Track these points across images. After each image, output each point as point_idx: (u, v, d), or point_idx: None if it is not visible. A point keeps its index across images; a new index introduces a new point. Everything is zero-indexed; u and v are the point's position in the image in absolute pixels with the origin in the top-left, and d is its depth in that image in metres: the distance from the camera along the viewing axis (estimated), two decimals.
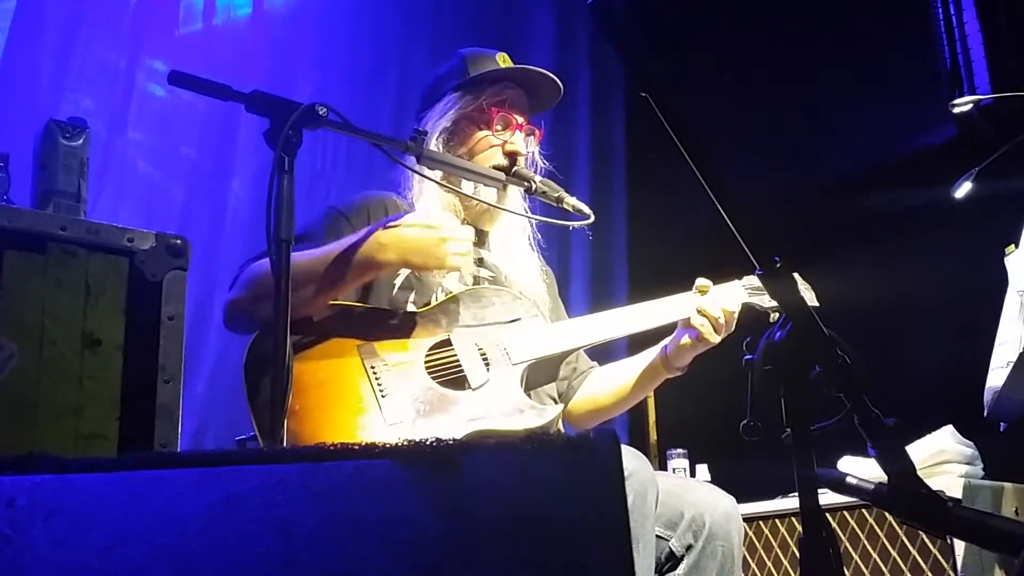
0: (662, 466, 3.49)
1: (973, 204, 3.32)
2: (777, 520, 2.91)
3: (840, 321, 1.14)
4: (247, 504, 0.85)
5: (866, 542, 2.71)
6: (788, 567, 2.87)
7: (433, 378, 1.72)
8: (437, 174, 1.88)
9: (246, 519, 0.85)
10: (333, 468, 0.88)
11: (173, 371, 1.51)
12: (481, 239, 2.02)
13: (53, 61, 2.70)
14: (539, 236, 2.09)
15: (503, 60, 2.04)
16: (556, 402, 1.95)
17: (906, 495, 1.05)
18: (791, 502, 2.88)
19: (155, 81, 2.89)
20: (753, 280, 2.01)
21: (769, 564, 2.91)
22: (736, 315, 1.93)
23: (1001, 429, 2.67)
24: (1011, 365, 2.49)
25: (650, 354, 2.01)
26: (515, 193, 1.96)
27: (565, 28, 4.36)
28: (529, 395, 1.80)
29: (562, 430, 1.93)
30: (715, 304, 1.90)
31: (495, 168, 1.90)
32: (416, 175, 1.90)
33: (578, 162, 4.31)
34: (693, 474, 3.39)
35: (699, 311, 1.90)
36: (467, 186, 1.92)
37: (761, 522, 2.94)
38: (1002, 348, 2.57)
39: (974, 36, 3.65)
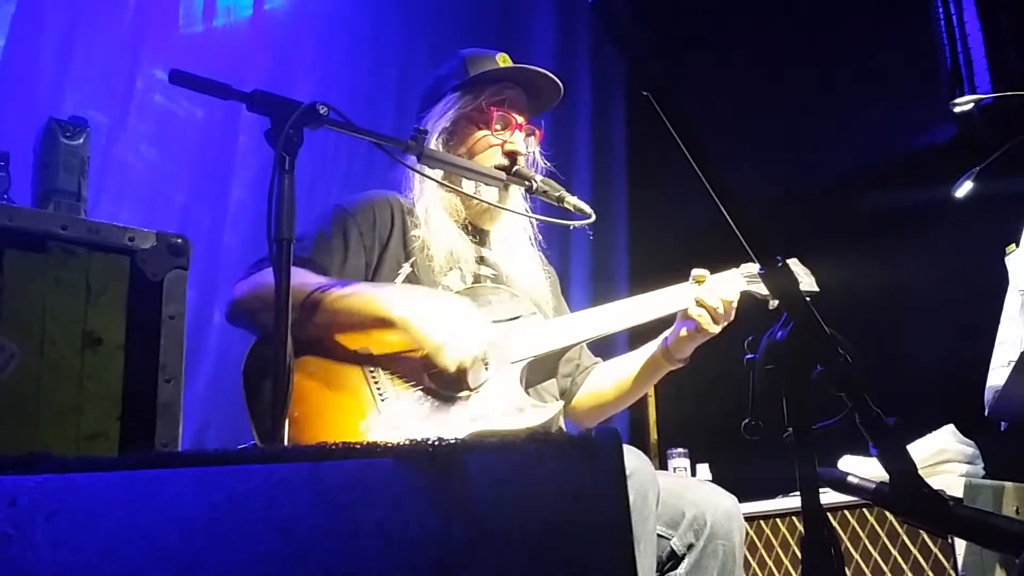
0: (663, 465, 3.49)
1: (974, 203, 3.32)
2: (778, 519, 2.91)
3: (841, 320, 1.14)
4: (249, 504, 0.85)
5: (867, 541, 2.71)
6: (789, 566, 2.87)
7: (433, 379, 1.72)
8: (438, 173, 1.88)
9: (248, 519, 0.85)
10: (335, 467, 0.88)
11: (174, 370, 1.51)
12: (482, 238, 2.02)
13: (53, 60, 2.70)
14: (540, 236, 2.09)
15: (503, 60, 2.04)
16: (557, 399, 1.95)
17: (907, 494, 1.05)
18: (792, 501, 2.88)
19: (156, 81, 2.89)
20: (751, 268, 2.00)
21: (770, 563, 2.91)
22: (735, 304, 1.92)
23: (1002, 428, 2.67)
24: (1012, 364, 2.49)
25: (651, 347, 2.01)
26: (516, 192, 1.96)
27: (565, 28, 4.36)
28: (529, 393, 1.80)
29: (563, 427, 1.93)
30: (713, 294, 1.89)
31: (496, 168, 1.90)
32: (417, 174, 1.90)
33: (579, 161, 4.31)
34: (694, 473, 3.39)
35: (697, 301, 1.89)
36: (468, 185, 1.92)
37: (762, 521, 2.94)
38: (1003, 347, 2.57)
39: (975, 36, 3.66)
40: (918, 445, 2.77)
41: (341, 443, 0.90)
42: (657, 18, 3.85)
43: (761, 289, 1.99)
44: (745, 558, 2.77)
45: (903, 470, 1.05)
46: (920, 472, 1.06)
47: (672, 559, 1.73)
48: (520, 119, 1.99)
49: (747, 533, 2.84)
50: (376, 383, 1.68)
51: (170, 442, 1.47)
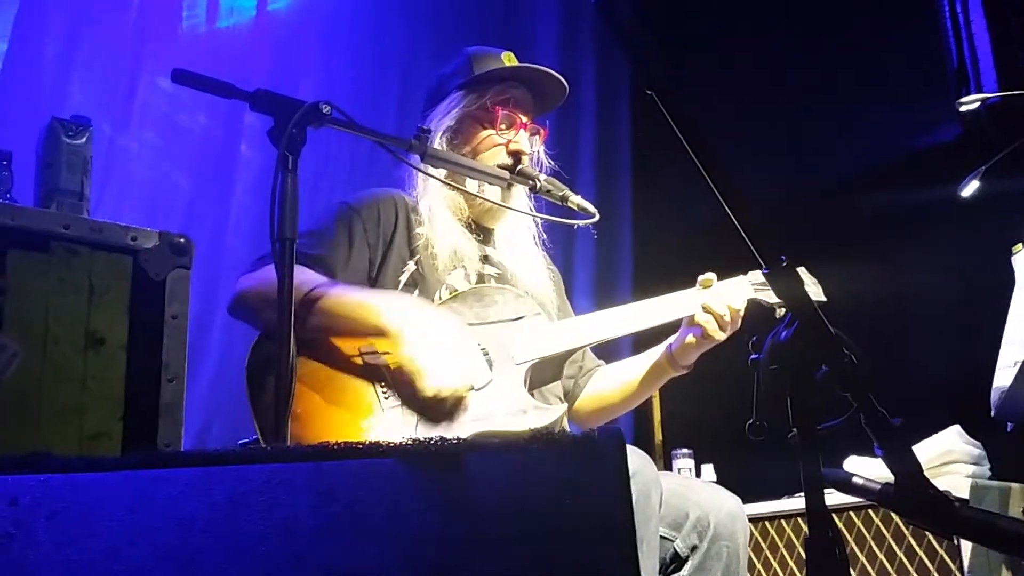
0: (667, 466, 3.49)
1: (980, 203, 3.31)
2: (783, 520, 2.91)
3: (847, 320, 1.13)
4: (251, 503, 0.85)
5: (872, 542, 2.70)
6: (794, 568, 2.86)
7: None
8: (441, 172, 1.87)
9: (250, 518, 0.85)
10: (337, 467, 0.88)
11: (177, 370, 1.51)
12: (486, 237, 2.01)
13: (56, 60, 2.70)
14: (544, 235, 2.08)
15: (508, 59, 2.03)
16: (561, 401, 1.94)
17: (913, 495, 1.04)
18: (797, 502, 2.88)
19: (158, 80, 2.89)
20: (758, 275, 1.99)
21: (775, 565, 2.90)
22: (742, 312, 1.91)
23: (1008, 429, 2.66)
24: (1018, 365, 2.48)
25: (656, 352, 2.00)
26: (520, 192, 1.95)
27: (570, 27, 4.36)
28: (533, 394, 1.79)
29: (567, 429, 1.93)
30: (720, 301, 1.88)
31: (499, 167, 1.89)
32: (420, 173, 1.90)
33: (583, 161, 4.30)
34: (698, 474, 3.39)
35: (704, 308, 1.88)
36: (471, 184, 1.92)
37: (767, 522, 2.93)
38: (1009, 347, 2.56)
39: (981, 35, 3.64)
40: (924, 446, 2.76)
41: (343, 443, 0.90)
42: (659, 19, 3.84)
43: (769, 297, 1.98)
44: (749, 560, 2.76)
45: (908, 471, 1.05)
46: (926, 473, 1.06)
47: (675, 560, 1.73)
48: (525, 118, 1.99)
49: (751, 534, 2.84)
50: (380, 381, 1.67)
51: (172, 442, 1.47)
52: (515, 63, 2.03)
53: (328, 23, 3.50)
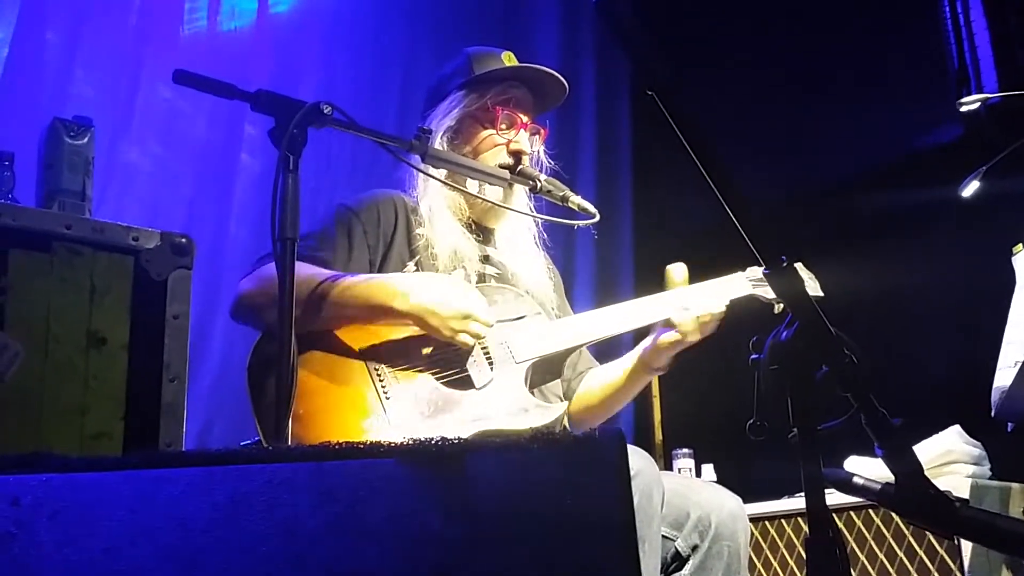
0: (668, 466, 3.49)
1: (981, 203, 3.31)
2: (783, 520, 2.91)
3: (847, 321, 1.13)
4: (252, 503, 0.85)
5: (872, 543, 2.70)
6: (794, 567, 2.86)
7: (437, 379, 1.71)
8: (442, 173, 1.87)
9: (251, 518, 0.85)
10: (338, 467, 0.88)
11: (178, 370, 1.51)
12: (487, 237, 2.01)
13: (58, 60, 2.70)
14: (545, 235, 2.08)
15: (508, 59, 2.03)
16: (561, 400, 1.94)
17: (913, 495, 1.05)
18: (797, 502, 2.87)
19: (160, 82, 2.89)
20: (756, 271, 1.99)
21: (775, 564, 2.90)
22: (722, 315, 1.88)
23: (1008, 429, 2.66)
24: (1019, 365, 2.48)
25: (633, 355, 1.99)
26: (520, 192, 1.95)
27: (570, 27, 4.35)
28: (533, 393, 1.79)
29: (568, 428, 1.93)
30: (697, 305, 1.85)
31: (500, 167, 1.89)
32: (421, 174, 1.90)
33: (583, 161, 4.30)
34: (699, 474, 3.39)
35: (679, 314, 1.85)
36: (472, 185, 1.92)
37: (767, 522, 2.93)
38: (1010, 348, 2.56)
39: (981, 35, 3.64)
40: (924, 446, 2.76)
41: (344, 443, 0.90)
42: (659, 19, 3.84)
43: (767, 293, 1.97)
44: (750, 559, 2.76)
45: (909, 471, 1.05)
46: (926, 473, 1.06)
47: (676, 560, 1.73)
48: (525, 118, 1.99)
49: (752, 534, 2.84)
50: (380, 380, 1.68)
51: (174, 442, 1.47)
52: (515, 63, 2.03)
53: (329, 24, 3.50)
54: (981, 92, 3.53)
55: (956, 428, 2.83)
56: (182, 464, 0.88)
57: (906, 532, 2.66)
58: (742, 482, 2.10)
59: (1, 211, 1.44)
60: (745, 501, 1.84)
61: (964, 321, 3.45)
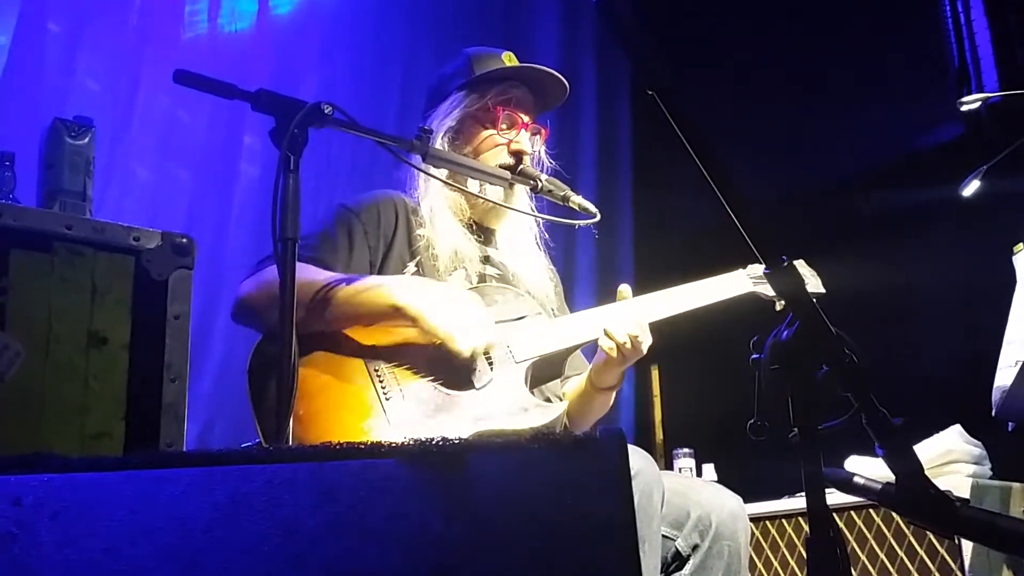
0: (668, 465, 3.49)
1: (981, 202, 3.31)
2: (784, 520, 2.91)
3: (848, 320, 1.13)
4: (253, 503, 0.85)
5: (873, 542, 2.70)
6: (795, 567, 2.86)
7: (437, 379, 1.71)
8: (443, 173, 1.87)
9: (252, 518, 0.85)
10: (339, 467, 0.88)
11: (179, 370, 1.51)
12: (488, 237, 2.01)
13: (59, 61, 2.71)
14: (546, 235, 2.08)
15: (509, 59, 2.03)
16: (561, 399, 1.94)
17: (914, 495, 1.05)
18: (798, 502, 2.88)
19: (160, 82, 2.89)
20: (757, 269, 1.99)
21: (776, 564, 2.90)
22: (640, 339, 1.80)
23: (1009, 429, 2.65)
24: (1019, 364, 2.48)
25: (586, 375, 1.95)
26: (521, 192, 1.95)
27: (570, 27, 4.36)
28: (533, 393, 1.79)
29: (568, 427, 1.93)
30: (620, 328, 1.79)
31: (501, 167, 1.89)
32: (422, 174, 1.90)
33: (584, 160, 4.30)
34: (699, 474, 3.39)
35: (605, 333, 1.80)
36: (473, 185, 1.92)
37: (768, 522, 2.93)
38: (1010, 347, 2.56)
39: (982, 34, 3.64)
40: (925, 445, 2.76)
41: (344, 443, 0.90)
42: (659, 19, 3.84)
43: (767, 290, 1.97)
44: (750, 559, 2.77)
45: (909, 471, 1.05)
46: (927, 473, 1.06)
47: (677, 560, 1.73)
48: (526, 118, 1.99)
49: (752, 534, 2.84)
50: (381, 381, 1.68)
51: (174, 442, 1.47)
52: (515, 63, 2.03)
53: (329, 24, 3.51)
54: (981, 91, 3.53)
55: (957, 428, 2.83)
56: (183, 464, 0.88)
57: (907, 532, 2.66)
58: (742, 482, 2.10)
59: (2, 211, 1.44)
60: (745, 501, 1.85)
61: (964, 320, 3.45)
